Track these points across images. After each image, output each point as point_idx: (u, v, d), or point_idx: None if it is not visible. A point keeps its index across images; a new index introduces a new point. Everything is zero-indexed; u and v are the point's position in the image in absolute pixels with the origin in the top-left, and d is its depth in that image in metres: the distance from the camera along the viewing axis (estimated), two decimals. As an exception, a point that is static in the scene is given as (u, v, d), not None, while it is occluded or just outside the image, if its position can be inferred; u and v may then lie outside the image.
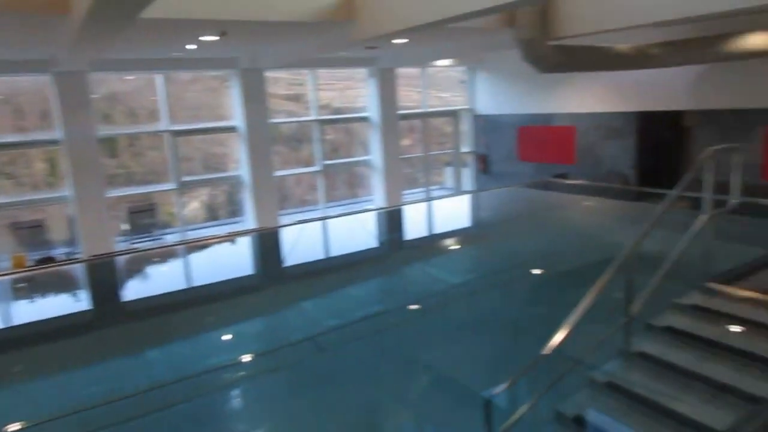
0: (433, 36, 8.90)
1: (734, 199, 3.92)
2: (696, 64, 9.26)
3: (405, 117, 13.27)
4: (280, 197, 11.31)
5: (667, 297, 3.90)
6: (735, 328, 3.50)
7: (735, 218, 7.11)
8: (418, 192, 13.99)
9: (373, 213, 11.12)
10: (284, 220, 10.70)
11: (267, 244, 8.83)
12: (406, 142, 14.06)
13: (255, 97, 10.25)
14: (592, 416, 3.17)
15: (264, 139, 10.48)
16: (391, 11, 6.14)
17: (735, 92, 9.53)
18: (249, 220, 10.52)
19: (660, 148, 11.09)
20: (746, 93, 9.38)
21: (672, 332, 3.55)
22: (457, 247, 8.54)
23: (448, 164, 15.06)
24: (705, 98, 10.00)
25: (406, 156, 13.64)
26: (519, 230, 8.68)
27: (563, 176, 11.94)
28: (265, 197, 10.60)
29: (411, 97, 13.87)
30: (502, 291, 6.07)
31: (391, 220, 10.50)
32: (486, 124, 14.29)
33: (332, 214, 11.00)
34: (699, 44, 8.78)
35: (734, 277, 4.11)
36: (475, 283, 6.53)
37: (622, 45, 9.49)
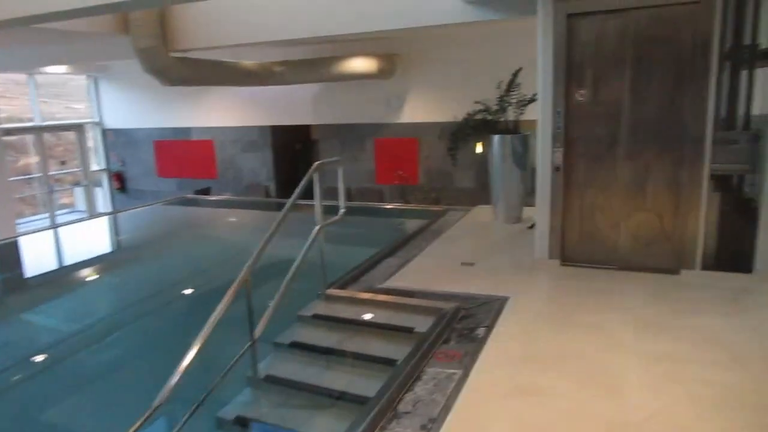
0: (27, 37, 7.49)
1: (342, 208, 4.18)
2: (312, 82, 10.12)
3: (12, 132, 11.01)
4: None
5: (293, 310, 3.95)
6: (352, 331, 3.73)
7: (352, 221, 8.00)
8: (40, 219, 11.83)
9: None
10: None
11: None
12: (30, 160, 11.81)
13: None
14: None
15: None
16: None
17: (348, 108, 10.80)
18: None
19: (294, 159, 11.83)
20: (357, 109, 10.72)
21: (297, 347, 3.58)
22: (96, 277, 7.40)
23: (77, 184, 13.23)
24: (326, 113, 11.06)
25: (19, 177, 11.35)
26: (166, 251, 8.03)
27: (206, 191, 11.67)
28: None
29: (45, 109, 11.67)
30: (151, 319, 5.45)
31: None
32: (118, 139, 13.01)
33: None
34: (313, 65, 9.60)
35: (350, 279, 4.45)
36: (121, 315, 5.70)
37: (248, 61, 9.72)
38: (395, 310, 3.89)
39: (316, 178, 3.89)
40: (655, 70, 4.33)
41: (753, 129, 4.22)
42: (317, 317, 3.85)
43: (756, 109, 4.27)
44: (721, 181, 4.34)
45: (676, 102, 4.30)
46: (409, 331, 3.51)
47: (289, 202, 3.71)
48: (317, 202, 3.93)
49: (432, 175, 10.23)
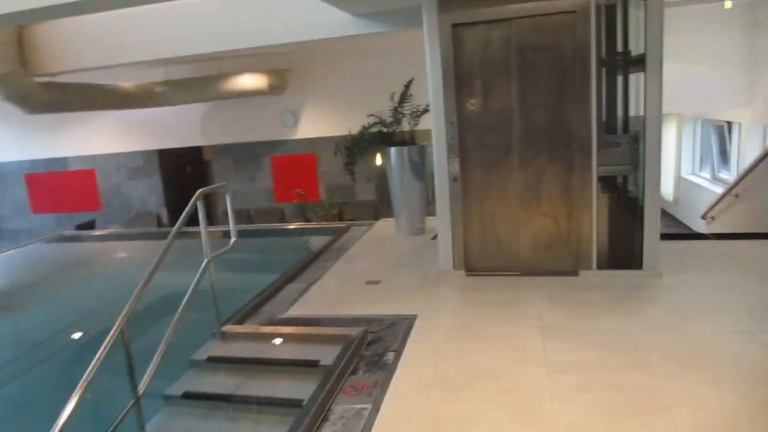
0: None
1: (233, 236, 3.86)
2: (198, 102, 9.64)
3: None
4: None
5: (185, 355, 3.58)
6: (253, 371, 3.42)
7: (251, 245, 7.60)
8: None
9: None
10: None
11: None
12: None
13: None
14: None
15: None
16: None
17: (241, 127, 10.37)
18: None
19: (186, 183, 11.20)
20: (250, 127, 10.32)
21: (191, 397, 3.22)
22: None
23: (-65, 228, 11.73)
24: (217, 133, 10.56)
25: None
26: (43, 298, 7.18)
27: (90, 225, 10.73)
28: None
29: None
30: (24, 380, 4.77)
31: None
32: (-19, 174, 11.71)
33: None
34: (198, 83, 9.13)
35: (248, 312, 4.13)
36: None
37: (126, 83, 9.06)
38: (299, 342, 3.64)
39: (200, 206, 3.55)
40: (540, 78, 4.42)
41: (632, 131, 4.41)
42: (213, 360, 3.50)
43: (632, 112, 4.47)
44: (608, 183, 4.49)
45: (562, 108, 4.40)
46: (314, 364, 3.26)
47: (171, 234, 3.34)
48: (204, 233, 3.59)
49: (333, 191, 10.04)
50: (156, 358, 3.11)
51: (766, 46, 7.20)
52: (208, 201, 9.81)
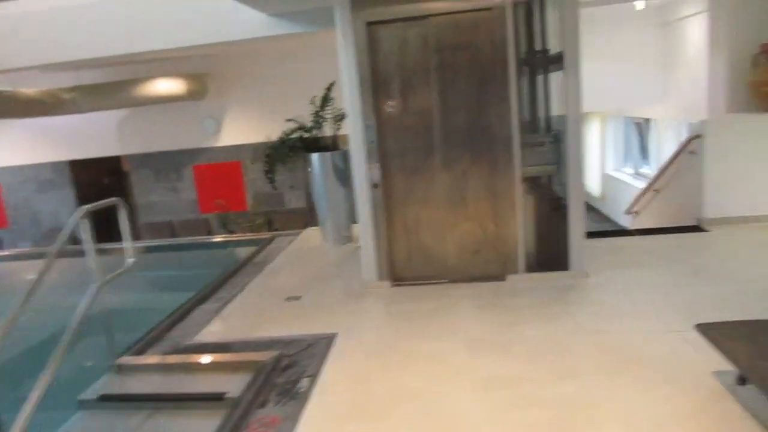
0: None
1: (129, 258, 3.47)
2: (111, 108, 9.01)
3: None
4: None
5: (73, 393, 3.17)
6: (152, 410, 3.05)
7: (166, 262, 7.12)
8: None
9: None
10: None
11: None
12: None
13: None
14: None
15: None
16: None
17: (161, 135, 9.79)
18: None
19: (104, 196, 10.44)
20: (170, 135, 9.75)
21: (76, 446, 2.83)
22: None
23: None
24: (136, 142, 9.92)
25: None
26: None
27: (-6, 244, 9.87)
28: None
29: None
30: None
31: None
32: None
33: None
34: (110, 89, 8.53)
35: (151, 340, 3.73)
36: None
37: (29, 89, 8.36)
38: (207, 372, 3.30)
39: (84, 225, 3.16)
40: (460, 77, 4.26)
41: (554, 130, 4.33)
42: (106, 398, 3.10)
43: (554, 111, 4.39)
44: (533, 183, 4.39)
45: (483, 108, 4.26)
46: (219, 397, 2.93)
47: (49, 258, 2.95)
48: (92, 256, 3.19)
49: (261, 199, 9.63)
50: (32, 401, 2.70)
51: (675, 45, 7.43)
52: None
